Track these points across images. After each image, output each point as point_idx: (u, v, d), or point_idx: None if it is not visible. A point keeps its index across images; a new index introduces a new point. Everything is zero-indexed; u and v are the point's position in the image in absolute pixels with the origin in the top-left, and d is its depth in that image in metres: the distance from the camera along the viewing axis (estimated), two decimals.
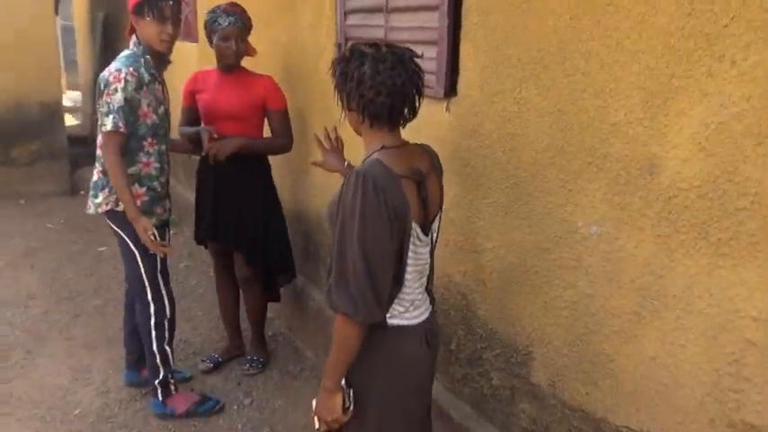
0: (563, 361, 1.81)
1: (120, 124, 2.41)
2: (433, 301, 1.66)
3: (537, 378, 1.91)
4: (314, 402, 1.57)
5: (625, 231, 1.57)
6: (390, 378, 1.54)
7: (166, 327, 2.71)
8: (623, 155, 1.55)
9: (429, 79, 2.15)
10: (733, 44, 1.29)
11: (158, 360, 2.70)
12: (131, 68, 2.45)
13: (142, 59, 2.52)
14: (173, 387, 2.76)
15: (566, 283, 1.76)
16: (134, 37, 2.57)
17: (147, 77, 2.51)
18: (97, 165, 2.63)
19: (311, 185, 3.14)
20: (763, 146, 1.27)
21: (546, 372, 1.88)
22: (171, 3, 2.49)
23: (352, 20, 2.63)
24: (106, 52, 7.47)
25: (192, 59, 4.34)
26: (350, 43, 1.55)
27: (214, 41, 2.76)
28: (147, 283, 2.65)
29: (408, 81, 1.47)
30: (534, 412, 1.94)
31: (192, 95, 2.90)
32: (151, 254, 2.61)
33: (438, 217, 1.61)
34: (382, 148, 1.51)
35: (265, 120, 2.90)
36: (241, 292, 3.08)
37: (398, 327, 1.52)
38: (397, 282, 1.49)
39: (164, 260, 2.70)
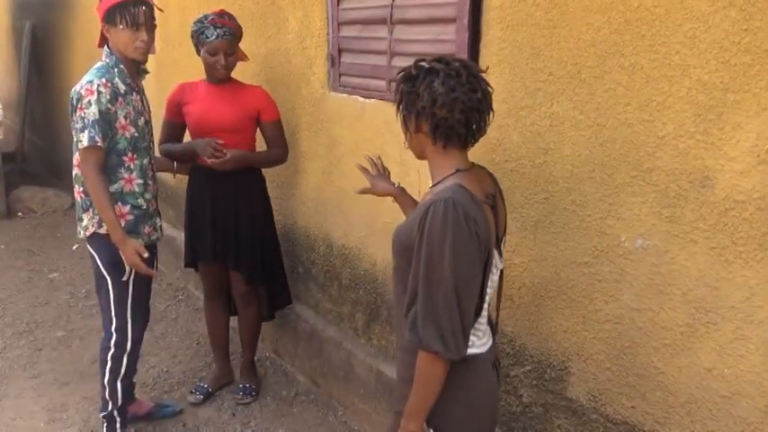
0: (605, 375, 1.80)
1: (97, 138, 2.27)
2: (494, 326, 1.61)
3: (574, 393, 1.90)
4: None
5: (676, 244, 1.58)
6: (469, 409, 1.47)
7: (124, 362, 2.54)
8: (673, 168, 1.56)
9: None
10: None
11: (107, 393, 2.54)
12: (104, 79, 2.31)
13: (116, 70, 2.38)
14: (118, 425, 2.58)
15: (608, 297, 1.76)
16: (106, 48, 2.42)
17: (122, 88, 2.37)
18: (76, 185, 2.45)
19: (300, 201, 3.03)
20: None
21: (585, 386, 1.86)
22: (144, 8, 2.35)
23: (347, 31, 2.55)
24: (36, 64, 7.04)
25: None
26: (414, 61, 1.46)
27: (201, 54, 2.62)
28: (113, 313, 2.48)
29: (483, 97, 1.41)
30: (572, 428, 1.92)
31: (177, 107, 2.74)
32: (124, 281, 2.46)
33: (503, 241, 1.57)
34: (456, 171, 1.45)
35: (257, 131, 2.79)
36: (238, 310, 2.94)
37: (474, 356, 1.46)
38: (477, 312, 1.43)
39: (137, 291, 2.52)
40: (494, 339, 1.59)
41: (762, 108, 1.38)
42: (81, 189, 2.43)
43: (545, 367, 1.97)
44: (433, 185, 1.50)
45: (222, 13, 2.62)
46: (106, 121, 2.30)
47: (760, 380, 1.47)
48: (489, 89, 1.45)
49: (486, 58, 1.97)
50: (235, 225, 2.75)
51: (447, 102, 1.37)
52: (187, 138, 2.85)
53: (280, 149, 2.77)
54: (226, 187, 2.70)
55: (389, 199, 2.00)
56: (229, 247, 2.76)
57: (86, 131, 2.26)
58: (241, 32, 2.65)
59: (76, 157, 2.40)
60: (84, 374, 3.12)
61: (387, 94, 2.39)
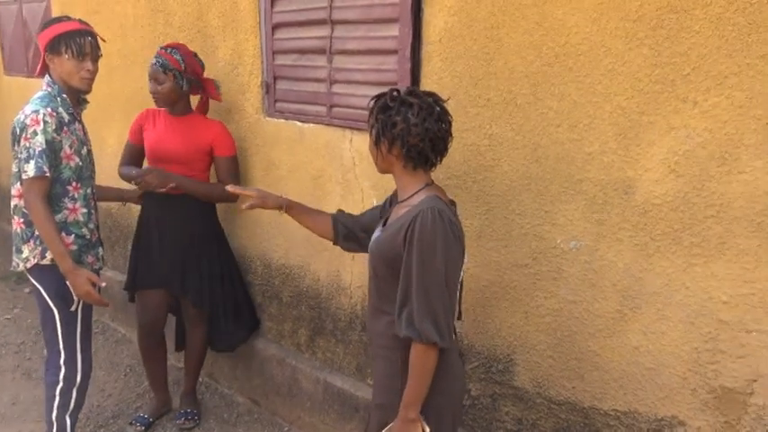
0: (547, 362, 2.05)
1: (45, 168, 2.24)
2: (460, 317, 1.82)
3: (520, 382, 2.13)
4: None
5: (605, 243, 1.86)
6: (453, 394, 1.66)
7: (73, 395, 2.48)
8: (599, 179, 1.84)
9: None
10: (695, 89, 1.64)
11: (54, 430, 2.46)
12: (49, 109, 2.29)
13: (59, 99, 2.36)
14: None
15: (547, 293, 2.01)
16: (47, 76, 2.39)
17: (66, 117, 2.35)
18: (15, 216, 2.38)
19: (236, 224, 3.08)
20: (724, 166, 1.62)
21: (530, 374, 2.10)
22: (89, 38, 2.37)
23: (282, 60, 2.68)
24: None
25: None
26: (389, 90, 1.66)
27: None
28: (61, 344, 2.43)
29: (447, 126, 1.63)
30: (519, 413, 2.15)
31: (139, 131, 2.78)
32: (72, 311, 2.42)
33: None
34: (426, 185, 1.64)
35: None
36: (187, 333, 2.92)
37: (451, 347, 1.64)
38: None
39: (85, 320, 2.49)
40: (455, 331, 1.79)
41: (671, 128, 1.69)
42: (21, 220, 2.36)
43: (492, 361, 2.20)
44: (405, 200, 1.68)
45: (168, 45, 2.69)
46: (52, 151, 2.27)
47: (679, 351, 1.77)
48: (451, 119, 1.67)
49: (427, 86, 2.18)
50: (182, 249, 2.77)
51: (420, 132, 1.58)
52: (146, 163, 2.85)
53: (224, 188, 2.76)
54: (176, 211, 2.72)
55: None
56: (177, 270, 2.76)
57: (33, 161, 2.21)
58: (179, 66, 2.64)
59: (17, 188, 2.34)
60: (5, 417, 2.94)
61: (327, 118, 2.54)
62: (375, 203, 2.42)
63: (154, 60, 2.64)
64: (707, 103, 1.63)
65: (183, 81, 2.66)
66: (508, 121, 2.01)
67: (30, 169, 2.22)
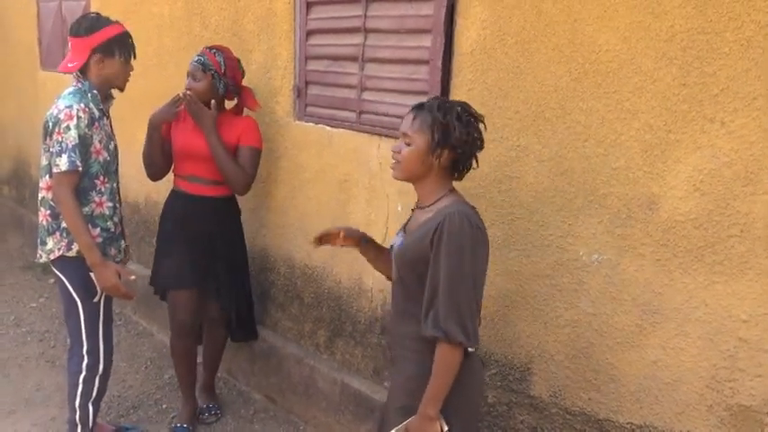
0: (564, 373, 2.08)
1: (78, 162, 2.32)
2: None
3: (536, 391, 2.16)
4: (409, 430, 1.66)
5: (627, 257, 1.89)
6: (472, 397, 1.70)
7: (96, 384, 2.55)
8: (624, 194, 1.87)
9: None
10: (722, 109, 1.67)
11: (77, 417, 2.54)
12: (82, 104, 2.37)
13: (89, 95, 2.44)
14: None
15: (567, 304, 2.04)
16: (76, 73, 2.46)
17: (96, 113, 2.44)
18: (42, 208, 2.46)
19: (260, 224, 3.14)
20: (749, 186, 1.65)
21: (546, 384, 2.13)
22: (131, 41, 2.52)
23: (314, 65, 2.75)
24: None
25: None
26: (445, 99, 1.80)
27: None
28: (84, 335, 2.50)
29: (482, 139, 1.74)
30: (534, 422, 2.18)
31: (168, 125, 2.79)
32: (95, 302, 2.49)
33: None
34: (450, 191, 1.72)
35: None
36: (205, 333, 2.96)
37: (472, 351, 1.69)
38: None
39: (107, 311, 2.56)
40: None
41: (697, 147, 1.72)
42: (48, 212, 2.44)
43: (509, 369, 2.22)
44: (428, 205, 1.74)
45: (213, 46, 2.72)
46: (84, 146, 2.36)
47: (697, 368, 1.79)
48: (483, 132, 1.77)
49: (457, 97, 2.23)
50: (212, 251, 2.78)
51: (471, 141, 1.70)
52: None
53: (243, 172, 2.68)
54: (201, 210, 2.75)
55: (355, 224, 2.18)
56: (208, 273, 2.79)
57: (65, 155, 2.30)
58: (219, 68, 2.66)
59: (45, 181, 2.42)
60: (30, 402, 3.02)
61: (356, 124, 2.60)
62: (399, 209, 2.47)
63: (195, 58, 2.67)
64: (734, 124, 1.65)
65: (220, 83, 2.67)
66: (535, 133, 2.04)
67: (62, 163, 2.29)
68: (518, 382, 2.21)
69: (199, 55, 2.68)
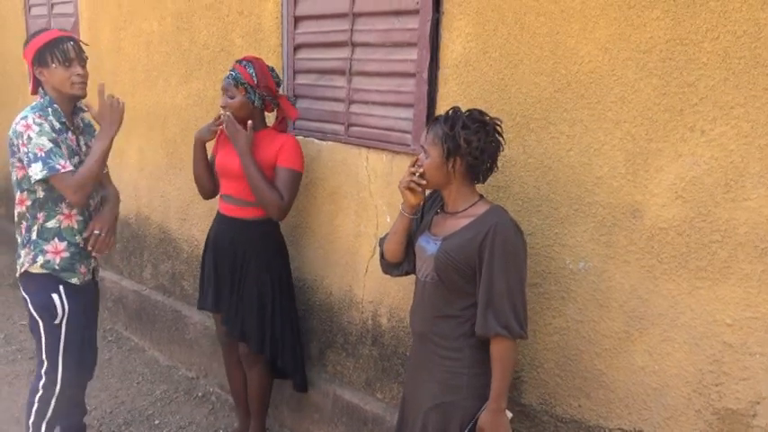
0: (554, 380, 2.10)
1: (58, 166, 2.22)
2: None
3: (527, 399, 2.17)
4: (482, 426, 1.80)
5: (612, 264, 1.92)
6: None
7: (52, 405, 2.46)
8: (608, 202, 1.90)
9: (405, 137, 2.39)
10: (702, 118, 1.70)
11: None
12: (37, 113, 2.29)
13: (50, 109, 2.35)
14: None
15: (555, 312, 2.06)
16: (40, 90, 2.38)
17: (57, 126, 2.34)
18: (19, 223, 2.40)
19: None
20: (729, 193, 1.68)
21: (536, 392, 2.15)
22: (71, 43, 2.34)
23: (303, 79, 2.77)
24: None
25: None
26: (457, 110, 1.86)
27: None
28: (44, 356, 2.43)
29: (499, 145, 1.85)
30: (525, 430, 2.19)
31: (215, 145, 2.73)
32: (56, 325, 2.40)
33: None
34: (480, 197, 1.87)
35: None
36: (245, 371, 2.80)
37: None
38: None
39: (71, 336, 2.43)
40: None
41: (678, 155, 1.76)
42: (24, 224, 2.38)
43: None
44: (460, 211, 1.86)
45: (244, 59, 2.58)
46: (58, 146, 2.26)
47: (683, 372, 1.81)
48: (502, 140, 1.86)
49: (443, 109, 2.25)
50: (235, 275, 2.63)
51: (487, 149, 1.81)
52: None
53: (278, 194, 2.48)
54: (227, 229, 2.64)
55: (345, 235, 2.19)
56: (230, 300, 2.65)
57: (39, 163, 2.20)
58: (251, 81, 2.52)
59: (18, 196, 2.36)
60: (20, 421, 2.99)
61: (344, 137, 2.62)
62: (388, 220, 2.49)
63: (227, 74, 2.56)
64: (714, 132, 1.69)
65: (254, 96, 2.52)
66: (521, 144, 2.07)
67: (38, 171, 2.20)
68: (508, 391, 2.21)
69: (231, 70, 2.55)
